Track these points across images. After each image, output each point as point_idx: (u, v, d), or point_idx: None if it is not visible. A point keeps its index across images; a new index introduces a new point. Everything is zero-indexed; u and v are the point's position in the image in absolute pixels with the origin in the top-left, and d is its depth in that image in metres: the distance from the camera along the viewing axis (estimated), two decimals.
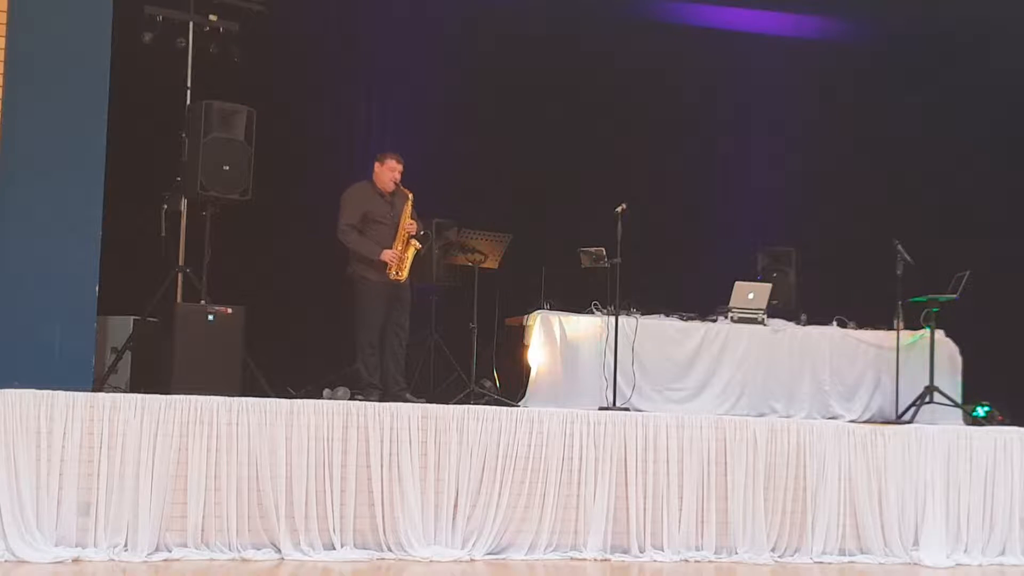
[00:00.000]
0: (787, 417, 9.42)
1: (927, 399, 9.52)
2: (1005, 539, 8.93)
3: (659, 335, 9.59)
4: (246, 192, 8.83)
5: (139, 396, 7.66)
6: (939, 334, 9.79)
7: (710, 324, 9.75)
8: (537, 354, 9.35)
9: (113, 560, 7.38)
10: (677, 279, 11.05)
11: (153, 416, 7.58)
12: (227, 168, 8.72)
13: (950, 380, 9.87)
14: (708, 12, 11.84)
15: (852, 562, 8.63)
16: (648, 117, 11.80)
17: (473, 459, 8.14)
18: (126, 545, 7.46)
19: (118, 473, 7.48)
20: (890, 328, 9.79)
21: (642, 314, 9.54)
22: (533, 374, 9.31)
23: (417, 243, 8.88)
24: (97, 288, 7.97)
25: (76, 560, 7.32)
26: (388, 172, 8.92)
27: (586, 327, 9.43)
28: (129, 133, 8.84)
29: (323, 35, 11.18)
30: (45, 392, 7.43)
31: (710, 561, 8.42)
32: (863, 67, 12.05)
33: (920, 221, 11.21)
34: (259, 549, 7.71)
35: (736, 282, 9.90)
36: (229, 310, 8.38)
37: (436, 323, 9.99)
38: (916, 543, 8.80)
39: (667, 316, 9.75)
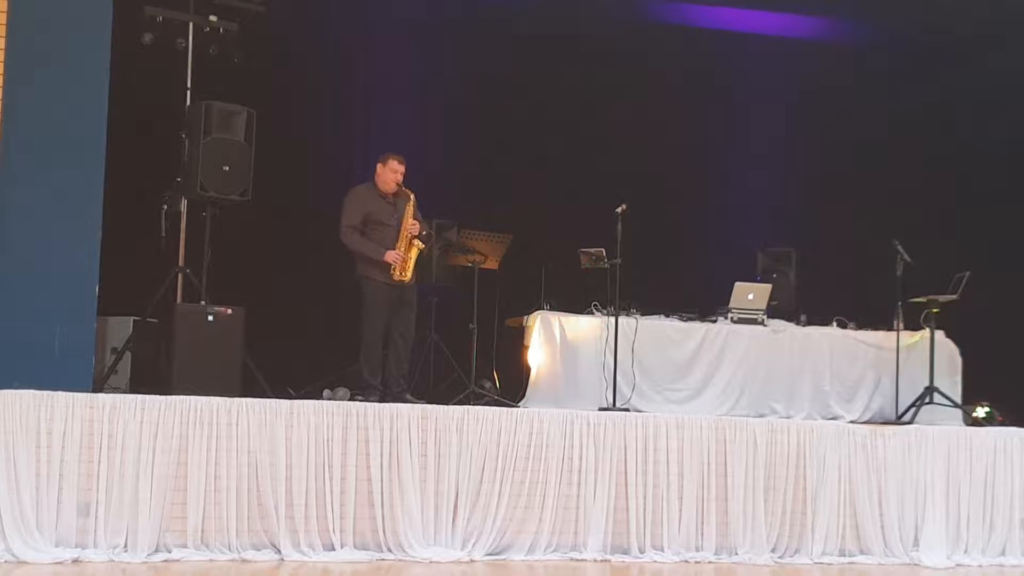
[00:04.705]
0: (787, 417, 9.42)
1: (927, 399, 9.51)
2: (1005, 539, 8.93)
3: (659, 335, 9.59)
4: (246, 192, 8.84)
5: (139, 396, 7.66)
6: (939, 334, 9.79)
7: (710, 324, 9.74)
8: (537, 354, 9.35)
9: (113, 561, 7.38)
10: (677, 279, 11.05)
11: (153, 416, 7.58)
12: (227, 168, 8.74)
13: (950, 380, 9.86)
14: (708, 12, 11.85)
15: (852, 563, 8.63)
16: (648, 117, 11.79)
17: (473, 460, 8.14)
18: (126, 546, 7.45)
19: (118, 473, 7.48)
20: (890, 328, 9.79)
21: (642, 314, 9.54)
22: (533, 374, 9.31)
23: (420, 243, 8.87)
24: (97, 288, 7.97)
25: (76, 561, 7.31)
26: (390, 173, 8.91)
27: (586, 327, 9.43)
28: (129, 133, 8.83)
29: (323, 35, 11.18)
30: (45, 392, 7.43)
31: (710, 562, 8.42)
32: (863, 67, 12.05)
33: (920, 221, 11.21)
34: (259, 550, 7.71)
35: (736, 282, 9.89)
36: (229, 310, 8.38)
37: (436, 323, 9.98)
38: (916, 543, 8.80)
39: (667, 316, 9.75)
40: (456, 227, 10.09)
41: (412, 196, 8.89)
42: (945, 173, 11.81)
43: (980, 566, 8.79)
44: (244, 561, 7.61)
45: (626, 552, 8.33)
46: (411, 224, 8.84)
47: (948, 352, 9.95)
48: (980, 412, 10.18)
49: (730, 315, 9.79)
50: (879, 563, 8.67)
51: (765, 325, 9.82)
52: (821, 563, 8.58)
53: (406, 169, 8.93)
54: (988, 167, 11.77)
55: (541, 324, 9.38)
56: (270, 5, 9.77)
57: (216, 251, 8.90)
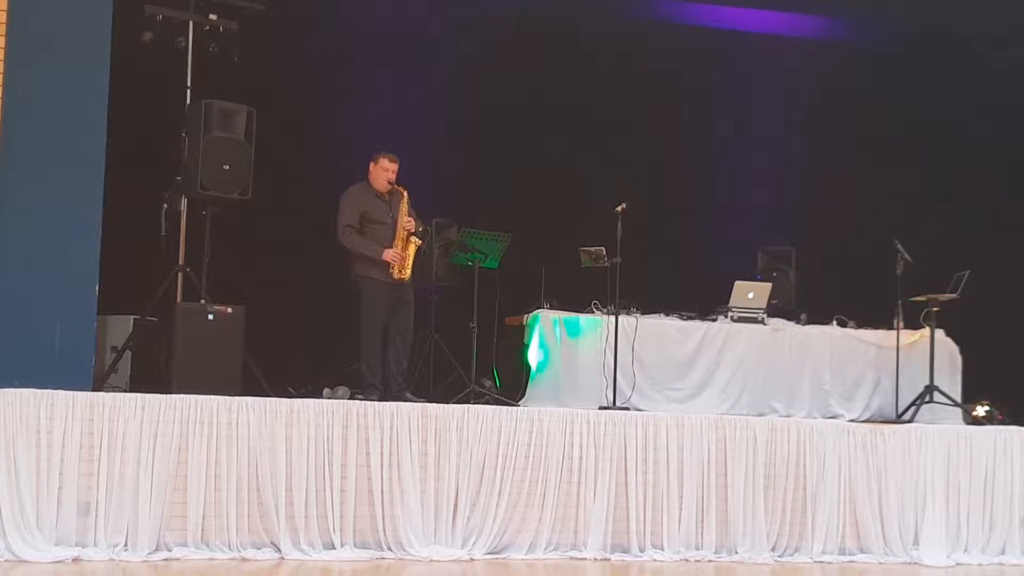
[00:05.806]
0: (787, 416, 9.41)
1: (927, 398, 9.52)
2: (1005, 538, 8.94)
3: (659, 334, 9.59)
4: (246, 192, 8.84)
5: (139, 396, 7.66)
6: (939, 334, 9.79)
7: (710, 324, 9.75)
8: (537, 353, 9.35)
9: (113, 560, 7.38)
10: (677, 279, 11.04)
11: (153, 416, 7.57)
12: (227, 168, 8.74)
13: (950, 380, 9.87)
14: (708, 11, 11.84)
15: (852, 561, 8.64)
16: (648, 117, 11.79)
17: (473, 459, 8.14)
18: (126, 544, 7.45)
19: (118, 473, 7.48)
20: (890, 327, 9.80)
21: (642, 313, 9.55)
22: (533, 373, 9.31)
23: (417, 240, 8.87)
24: (97, 288, 7.97)
25: (76, 560, 7.31)
26: (382, 171, 8.90)
27: (586, 326, 9.43)
28: (129, 133, 8.83)
29: (323, 35, 11.17)
30: (45, 392, 7.42)
31: (710, 560, 8.42)
32: (863, 67, 12.05)
33: (920, 221, 11.21)
34: (259, 548, 7.70)
35: (736, 282, 9.90)
36: (229, 309, 8.38)
37: (436, 322, 9.98)
38: (916, 542, 8.81)
39: (667, 316, 9.75)
40: (456, 226, 10.09)
41: (405, 193, 8.89)
42: (945, 172, 11.80)
43: (980, 565, 8.80)
44: (244, 560, 7.61)
45: (626, 551, 8.33)
46: (406, 221, 8.84)
47: (948, 351, 9.95)
48: (980, 411, 10.20)
49: (730, 314, 9.80)
50: (879, 562, 8.68)
51: (765, 324, 9.82)
52: (821, 562, 8.59)
53: (400, 167, 8.93)
54: (988, 166, 11.77)
55: (541, 323, 9.38)
56: (270, 5, 9.77)
57: (216, 250, 8.90)
